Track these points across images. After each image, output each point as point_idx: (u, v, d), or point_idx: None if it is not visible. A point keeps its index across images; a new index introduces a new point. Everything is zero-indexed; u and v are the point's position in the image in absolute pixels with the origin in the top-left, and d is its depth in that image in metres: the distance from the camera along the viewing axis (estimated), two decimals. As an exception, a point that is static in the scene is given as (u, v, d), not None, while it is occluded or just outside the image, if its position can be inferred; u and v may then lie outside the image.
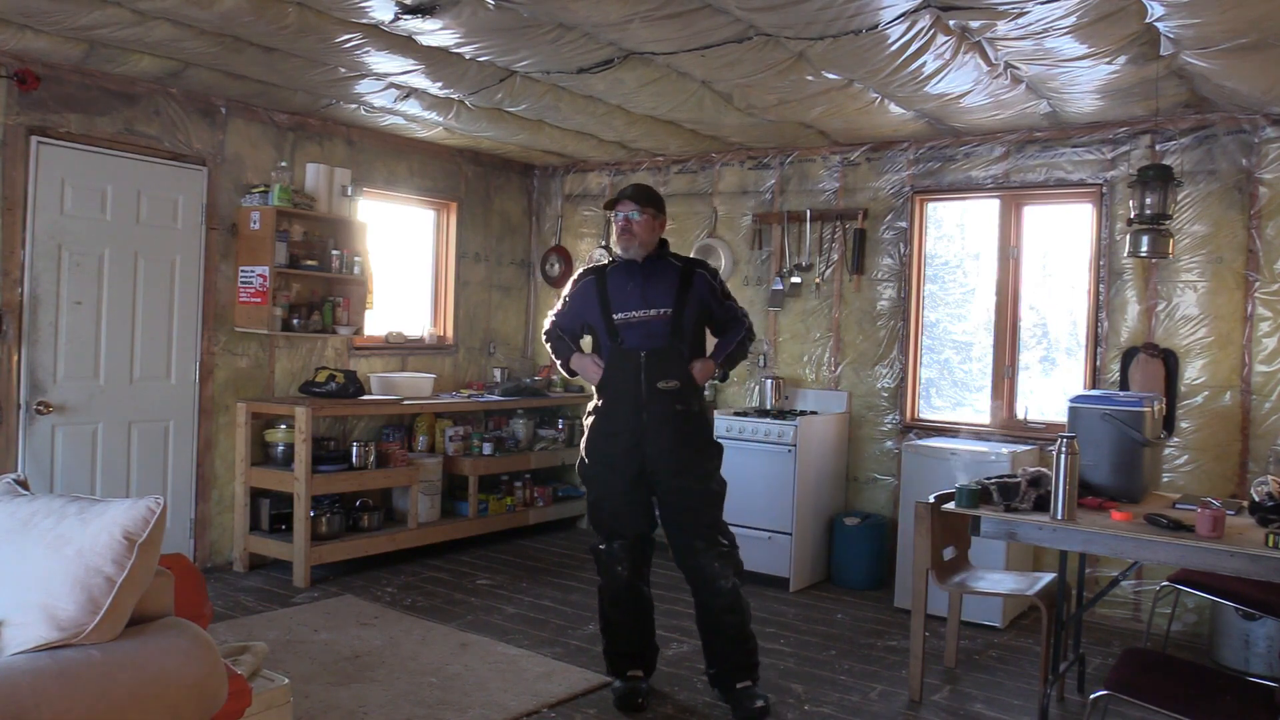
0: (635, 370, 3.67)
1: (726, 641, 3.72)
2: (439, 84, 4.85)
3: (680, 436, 3.68)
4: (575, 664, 4.19)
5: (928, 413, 5.84)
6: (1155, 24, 3.51)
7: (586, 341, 3.94)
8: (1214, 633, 4.57)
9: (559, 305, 3.96)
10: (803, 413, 5.85)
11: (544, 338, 3.99)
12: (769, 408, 5.92)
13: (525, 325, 7.43)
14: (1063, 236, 5.50)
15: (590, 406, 3.84)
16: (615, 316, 3.73)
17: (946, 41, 3.87)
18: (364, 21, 3.96)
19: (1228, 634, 4.45)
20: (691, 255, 6.29)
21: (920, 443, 5.28)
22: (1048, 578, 4.01)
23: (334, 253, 5.67)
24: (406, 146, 6.39)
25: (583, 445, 3.86)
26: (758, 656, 3.80)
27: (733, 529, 3.80)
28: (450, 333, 6.86)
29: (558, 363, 3.94)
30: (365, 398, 5.72)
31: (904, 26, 3.70)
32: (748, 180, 6.40)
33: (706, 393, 4.19)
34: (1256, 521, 3.33)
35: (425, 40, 4.14)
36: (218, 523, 5.52)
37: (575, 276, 3.94)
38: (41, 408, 4.74)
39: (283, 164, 5.57)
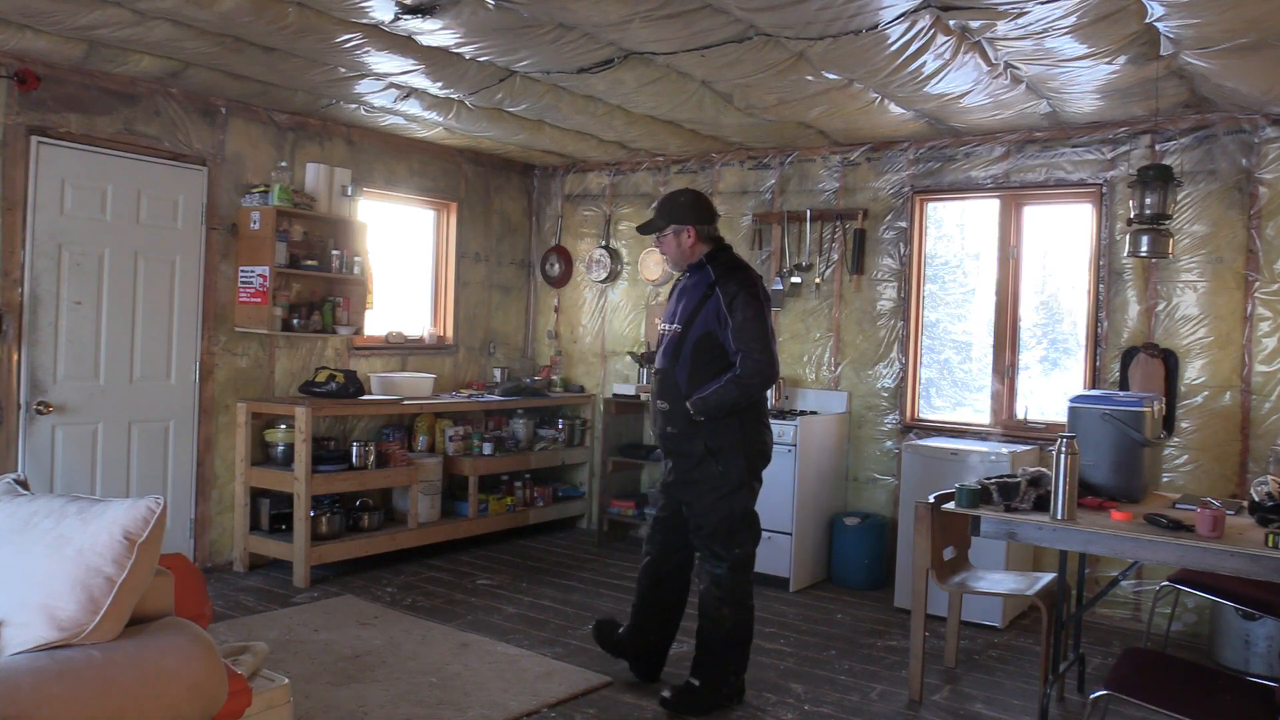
0: (652, 389, 3.90)
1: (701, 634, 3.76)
2: (439, 84, 4.85)
3: (673, 454, 3.81)
4: (575, 664, 4.19)
5: (928, 413, 5.84)
6: (1155, 24, 3.51)
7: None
8: (1214, 633, 4.57)
9: None
10: (803, 413, 5.85)
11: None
12: (769, 408, 5.90)
13: (525, 325, 7.43)
14: (1063, 236, 5.50)
15: None
16: (658, 327, 3.99)
17: (946, 41, 3.87)
18: (364, 21, 3.96)
19: (1228, 634, 4.45)
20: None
21: (920, 443, 5.28)
22: (1048, 578, 4.02)
23: (334, 253, 5.67)
24: (406, 146, 6.39)
25: None
26: (717, 669, 3.70)
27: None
28: (450, 333, 6.86)
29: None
30: (365, 398, 5.72)
31: (904, 26, 3.70)
32: (748, 180, 6.40)
33: None
34: (1256, 521, 3.33)
35: (425, 40, 4.14)
36: (218, 523, 5.52)
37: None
38: (41, 408, 4.74)
39: (283, 164, 5.57)
